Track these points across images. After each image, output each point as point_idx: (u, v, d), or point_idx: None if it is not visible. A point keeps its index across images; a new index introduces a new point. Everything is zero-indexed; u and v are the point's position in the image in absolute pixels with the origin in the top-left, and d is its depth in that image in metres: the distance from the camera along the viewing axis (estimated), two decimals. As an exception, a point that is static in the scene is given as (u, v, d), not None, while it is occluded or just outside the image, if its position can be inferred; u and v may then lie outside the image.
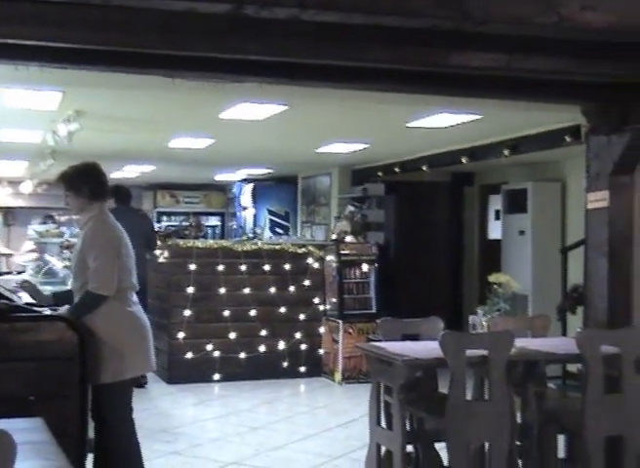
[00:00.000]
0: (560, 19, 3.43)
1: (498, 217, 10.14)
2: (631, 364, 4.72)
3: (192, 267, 8.44)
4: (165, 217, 16.89)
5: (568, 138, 6.50)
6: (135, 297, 4.65)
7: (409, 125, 7.12)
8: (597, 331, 5.06)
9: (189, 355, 8.39)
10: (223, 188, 17.02)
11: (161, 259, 8.56)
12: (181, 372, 8.38)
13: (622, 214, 5.44)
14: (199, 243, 8.88)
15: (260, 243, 9.21)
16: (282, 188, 14.53)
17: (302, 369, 8.73)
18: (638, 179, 5.50)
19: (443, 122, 6.88)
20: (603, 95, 5.13)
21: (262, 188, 14.69)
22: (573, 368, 5.45)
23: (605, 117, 5.24)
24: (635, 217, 5.50)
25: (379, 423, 5.07)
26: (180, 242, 8.79)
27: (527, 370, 4.77)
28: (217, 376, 8.46)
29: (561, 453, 5.22)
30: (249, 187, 14.91)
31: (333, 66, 4.49)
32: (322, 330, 8.84)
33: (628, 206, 5.46)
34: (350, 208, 10.64)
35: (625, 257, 5.44)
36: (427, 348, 4.87)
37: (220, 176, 14.69)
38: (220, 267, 8.53)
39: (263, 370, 8.58)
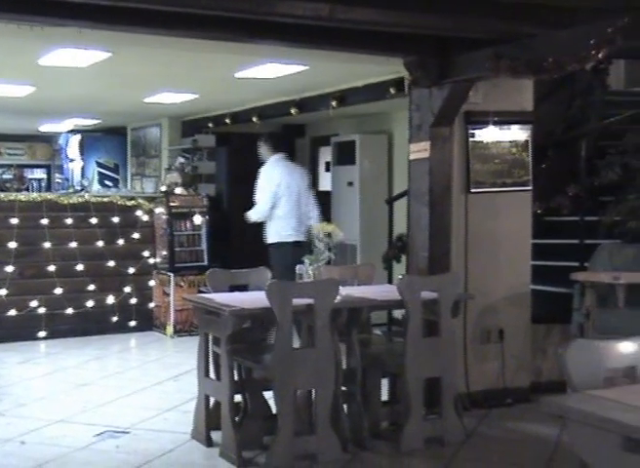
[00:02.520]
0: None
1: (328, 169, 10.27)
2: (448, 308, 4.94)
3: (14, 221, 8.09)
4: (-14, 170, 16.02)
5: (392, 91, 6.63)
6: None
7: (237, 75, 7.04)
8: (417, 278, 5.25)
9: (13, 312, 8.07)
10: (49, 139, 16.31)
11: (-21, 213, 8.13)
12: (5, 331, 8.04)
13: (442, 165, 5.64)
14: (22, 196, 8.52)
15: (87, 195, 8.95)
16: (111, 140, 14.08)
17: (133, 323, 8.59)
18: (457, 131, 5.71)
19: (271, 73, 6.85)
20: (423, 48, 5.26)
21: (90, 139, 14.19)
22: (399, 314, 5.64)
23: (425, 70, 5.38)
24: (454, 168, 5.72)
25: (207, 374, 5.08)
26: (1, 195, 8.40)
27: (351, 316, 4.88)
28: (43, 334, 8.19)
29: (384, 396, 5.42)
30: (76, 138, 14.36)
31: (155, 12, 4.36)
32: (152, 283, 8.71)
33: (447, 157, 5.66)
34: (181, 159, 10.48)
35: (445, 206, 5.65)
36: (255, 298, 4.89)
37: (45, 127, 14.05)
38: (45, 221, 8.21)
39: (92, 325, 8.38)
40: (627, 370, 2.84)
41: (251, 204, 8.12)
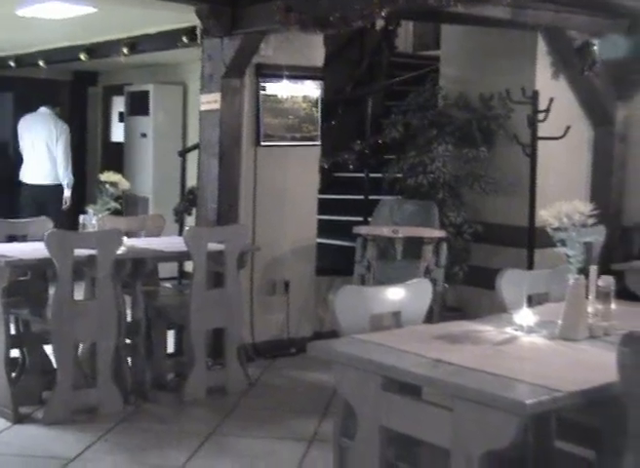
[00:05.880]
0: None
1: (121, 119, 9.98)
2: (234, 260, 4.97)
3: None
4: None
5: (185, 39, 6.49)
6: None
7: (19, 13, 6.63)
8: (203, 229, 5.24)
9: None
10: None
11: None
12: None
13: (232, 117, 5.63)
14: None
15: None
16: None
17: None
18: (248, 83, 5.71)
19: (57, 13, 6.49)
20: (214, -4, 5.20)
21: None
22: (190, 268, 5.59)
23: (217, 19, 5.33)
24: (244, 120, 5.72)
25: (-18, 329, 4.84)
26: None
27: (135, 268, 4.80)
28: None
29: (171, 348, 5.41)
30: None
31: None
32: None
33: (238, 108, 5.65)
34: (-41, 103, 9.81)
35: (234, 158, 5.66)
36: (34, 248, 4.71)
37: None
38: None
39: None
40: (393, 315, 2.98)
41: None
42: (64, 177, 8.28)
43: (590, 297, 2.86)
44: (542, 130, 5.61)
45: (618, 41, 5.67)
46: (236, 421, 4.58)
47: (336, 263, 6.37)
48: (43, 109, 8.58)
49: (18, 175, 8.55)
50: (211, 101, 5.63)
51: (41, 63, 8.76)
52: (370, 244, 5.74)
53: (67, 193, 8.24)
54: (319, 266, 6.11)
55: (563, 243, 2.75)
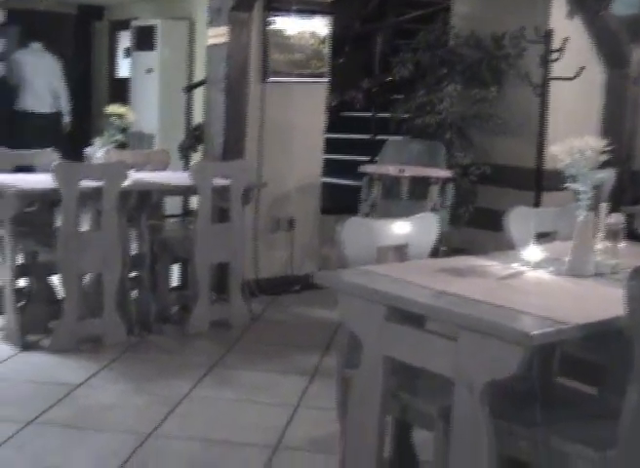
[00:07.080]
0: None
1: (127, 55, 9.87)
2: (239, 195, 4.96)
3: None
4: None
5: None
6: None
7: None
8: (210, 163, 5.22)
9: None
10: None
11: None
12: None
13: (240, 51, 5.56)
14: None
15: None
16: None
17: None
18: (256, 17, 5.62)
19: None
20: None
21: None
22: (195, 205, 5.57)
23: (226, -50, 5.22)
24: (251, 55, 5.65)
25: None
26: None
27: (141, 201, 4.79)
28: None
29: (175, 282, 5.43)
30: None
31: None
32: None
33: (246, 42, 5.58)
34: (-35, 34, 9.70)
35: (241, 93, 5.60)
36: (41, 179, 4.69)
37: None
38: None
39: None
40: (399, 248, 2.97)
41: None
42: (67, 106, 9.11)
43: (599, 235, 2.85)
44: (555, 70, 5.53)
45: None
46: (239, 354, 4.62)
47: (341, 202, 6.34)
48: (36, 45, 9.09)
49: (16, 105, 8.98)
50: (218, 35, 5.55)
51: (47, -4, 8.66)
52: (376, 183, 5.71)
53: (68, 119, 9.10)
54: (324, 205, 6.08)
55: (574, 178, 2.72)
